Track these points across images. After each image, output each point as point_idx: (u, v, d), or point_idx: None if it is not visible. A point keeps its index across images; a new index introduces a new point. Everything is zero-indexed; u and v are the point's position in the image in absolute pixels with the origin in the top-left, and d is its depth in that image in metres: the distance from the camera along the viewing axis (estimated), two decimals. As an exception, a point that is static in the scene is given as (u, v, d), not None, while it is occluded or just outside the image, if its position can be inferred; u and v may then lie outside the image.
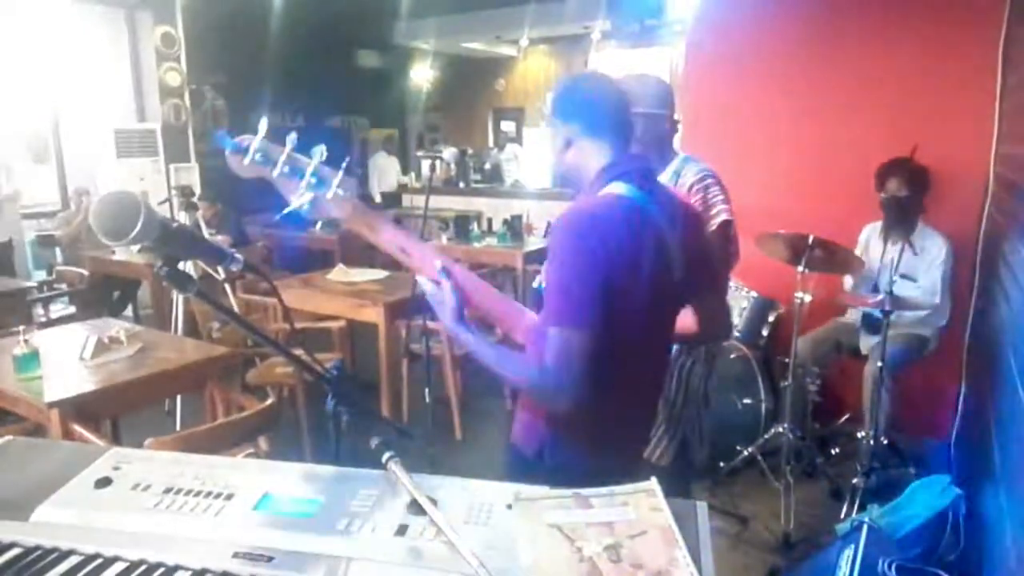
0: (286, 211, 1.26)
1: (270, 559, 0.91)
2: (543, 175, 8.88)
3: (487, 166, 9.94)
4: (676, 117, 2.09)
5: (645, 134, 1.99)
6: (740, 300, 3.38)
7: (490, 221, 8.15)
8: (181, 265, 0.99)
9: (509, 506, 0.99)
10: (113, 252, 5.09)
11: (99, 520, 0.99)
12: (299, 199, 1.25)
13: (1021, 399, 1.82)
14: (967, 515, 2.35)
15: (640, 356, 1.40)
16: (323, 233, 6.95)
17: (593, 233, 1.24)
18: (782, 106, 3.74)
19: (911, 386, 3.25)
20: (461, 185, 9.21)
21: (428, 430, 3.17)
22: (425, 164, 9.27)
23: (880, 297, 2.82)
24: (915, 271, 3.20)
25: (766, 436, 3.20)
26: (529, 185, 8.93)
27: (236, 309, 3.91)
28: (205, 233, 4.52)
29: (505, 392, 4.14)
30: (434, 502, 0.95)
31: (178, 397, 3.68)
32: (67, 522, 0.99)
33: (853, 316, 3.45)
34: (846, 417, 3.60)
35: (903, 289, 3.11)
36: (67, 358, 2.66)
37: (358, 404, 1.09)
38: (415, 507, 0.97)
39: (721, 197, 1.96)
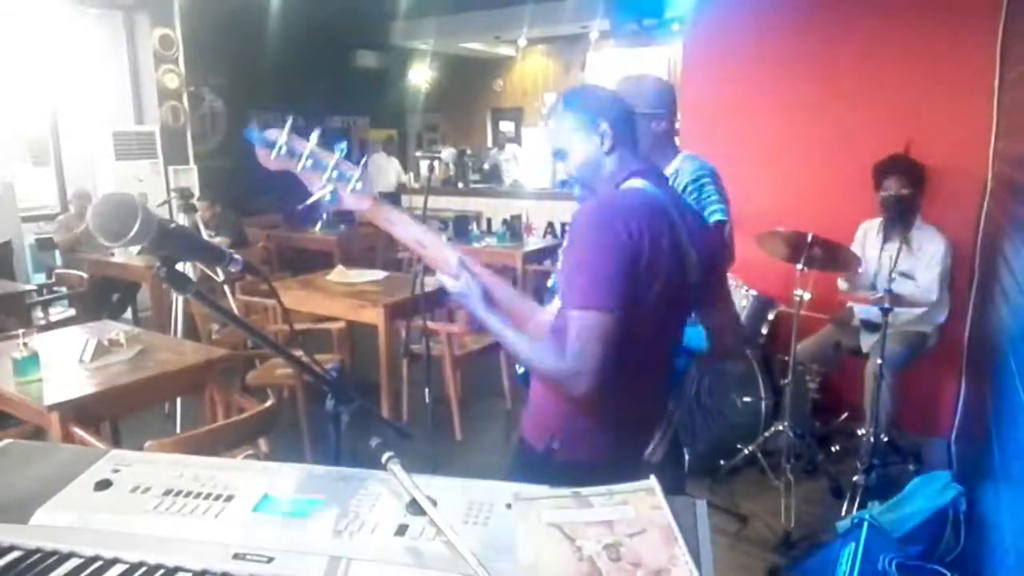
0: (310, 200, 1.33)
1: (270, 560, 0.91)
2: (542, 175, 8.88)
3: (486, 166, 9.94)
4: (676, 117, 2.09)
5: (646, 133, 2.00)
6: (740, 299, 3.38)
7: (489, 221, 8.16)
8: (180, 266, 0.99)
9: (508, 506, 0.99)
10: (112, 254, 5.09)
11: (99, 522, 0.99)
12: (321, 190, 1.32)
13: (1021, 396, 1.82)
14: (967, 512, 2.35)
15: (652, 349, 1.40)
16: (323, 234, 6.97)
17: (618, 218, 1.26)
18: (780, 105, 3.75)
19: (911, 383, 3.25)
20: (460, 185, 9.21)
21: (428, 430, 3.17)
22: (424, 164, 9.27)
23: (879, 294, 2.83)
24: (913, 268, 3.20)
25: (766, 434, 3.20)
26: (528, 185, 8.94)
27: (235, 310, 3.92)
28: (204, 234, 4.53)
29: (505, 392, 4.14)
30: (434, 502, 0.95)
31: (178, 399, 3.68)
32: (67, 525, 0.99)
33: (853, 315, 3.45)
34: (846, 415, 3.60)
35: (901, 287, 3.12)
36: (67, 361, 2.66)
37: (357, 404, 1.09)
38: (415, 507, 0.97)
39: (716, 197, 1.95)
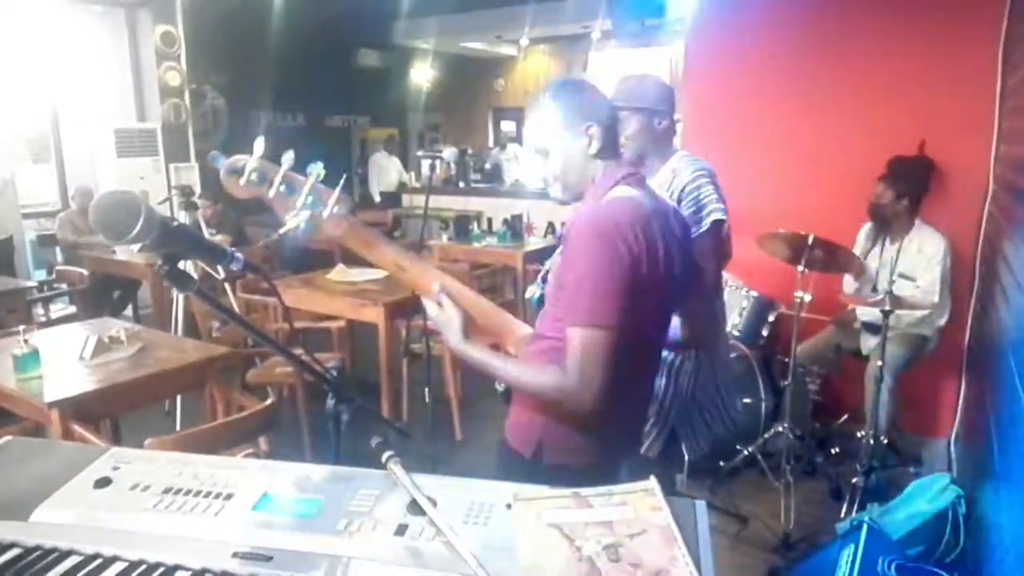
0: (282, 231, 1.23)
1: (269, 559, 0.91)
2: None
3: (487, 166, 9.93)
4: (676, 117, 2.10)
5: (645, 131, 2.00)
6: (740, 300, 3.38)
7: (490, 221, 8.15)
8: (181, 264, 0.99)
9: (508, 506, 0.99)
10: (113, 252, 5.09)
11: (99, 520, 0.99)
12: (295, 219, 1.22)
13: (1021, 398, 1.81)
14: (967, 514, 2.35)
15: (645, 355, 1.41)
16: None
17: (618, 234, 1.24)
18: (781, 106, 3.75)
19: (911, 385, 3.25)
20: (461, 185, 9.21)
21: (428, 430, 3.17)
22: (425, 164, 9.27)
23: (879, 297, 2.82)
24: (914, 270, 3.20)
25: (766, 435, 3.20)
26: (529, 185, 8.91)
27: (236, 309, 3.92)
28: (205, 232, 4.53)
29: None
30: (434, 502, 0.96)
31: (178, 397, 3.68)
32: (67, 522, 0.99)
33: (855, 317, 3.45)
34: (846, 416, 3.60)
35: (902, 289, 3.12)
36: (67, 358, 2.66)
37: (358, 404, 1.09)
38: (415, 507, 0.97)
39: (714, 196, 1.96)
